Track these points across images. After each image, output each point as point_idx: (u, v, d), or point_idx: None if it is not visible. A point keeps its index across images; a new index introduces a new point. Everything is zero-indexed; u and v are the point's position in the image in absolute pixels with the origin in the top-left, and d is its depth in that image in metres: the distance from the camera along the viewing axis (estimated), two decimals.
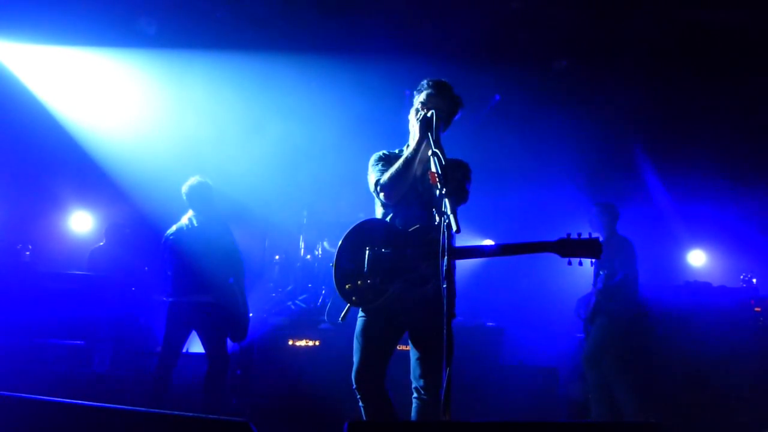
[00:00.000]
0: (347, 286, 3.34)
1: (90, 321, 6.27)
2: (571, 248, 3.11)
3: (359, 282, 3.32)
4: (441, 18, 6.93)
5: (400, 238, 3.32)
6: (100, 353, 6.26)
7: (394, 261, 3.29)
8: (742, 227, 8.51)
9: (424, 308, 3.24)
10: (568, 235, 3.13)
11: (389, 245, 3.32)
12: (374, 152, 3.60)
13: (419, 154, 3.32)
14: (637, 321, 5.77)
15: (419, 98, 3.46)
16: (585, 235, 3.13)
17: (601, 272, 5.77)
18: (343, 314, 3.46)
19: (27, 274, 6.65)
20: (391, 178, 3.36)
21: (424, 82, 3.49)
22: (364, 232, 3.40)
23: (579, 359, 6.16)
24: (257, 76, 7.39)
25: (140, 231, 7.41)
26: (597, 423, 5.31)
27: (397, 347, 3.49)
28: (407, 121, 3.55)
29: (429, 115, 3.27)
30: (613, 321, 5.70)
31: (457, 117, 3.53)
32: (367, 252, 3.32)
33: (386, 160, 3.51)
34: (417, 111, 3.42)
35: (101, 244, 7.40)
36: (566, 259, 3.14)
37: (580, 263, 3.13)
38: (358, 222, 3.47)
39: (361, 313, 3.44)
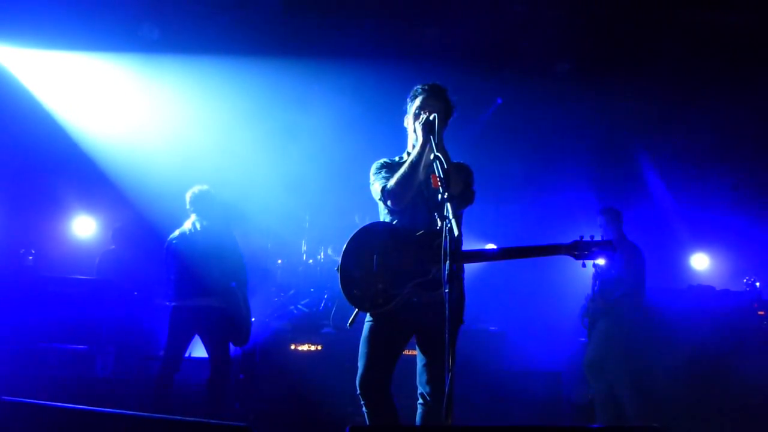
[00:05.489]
0: (355, 292, 3.31)
1: (93, 325, 6.29)
2: (586, 250, 3.15)
3: (368, 287, 3.28)
4: (443, 22, 6.94)
5: (407, 243, 3.29)
6: (103, 357, 6.27)
7: (403, 265, 3.26)
8: (746, 230, 8.50)
9: (434, 313, 3.18)
10: (581, 237, 3.17)
11: (397, 249, 3.29)
12: (375, 159, 3.59)
13: (424, 158, 3.31)
14: (640, 326, 5.75)
15: (416, 103, 3.46)
16: (597, 237, 3.19)
17: (601, 275, 5.76)
18: (351, 319, 3.44)
19: (30, 278, 6.67)
20: (398, 184, 3.34)
21: (418, 87, 3.49)
22: (369, 237, 3.37)
23: (581, 363, 6.14)
24: (259, 81, 7.40)
25: (146, 234, 7.42)
26: (601, 427, 5.30)
27: (404, 352, 3.47)
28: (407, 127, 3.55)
29: (431, 118, 3.26)
30: (614, 325, 5.69)
31: (450, 119, 3.54)
32: (374, 256, 3.29)
33: (389, 168, 3.50)
34: (416, 115, 3.40)
35: (112, 248, 7.41)
36: (580, 262, 3.19)
37: (594, 265, 3.19)
38: (361, 226, 3.45)
39: (368, 318, 3.41)
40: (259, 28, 7.06)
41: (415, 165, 3.31)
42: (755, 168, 8.33)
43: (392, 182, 3.36)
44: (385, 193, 3.39)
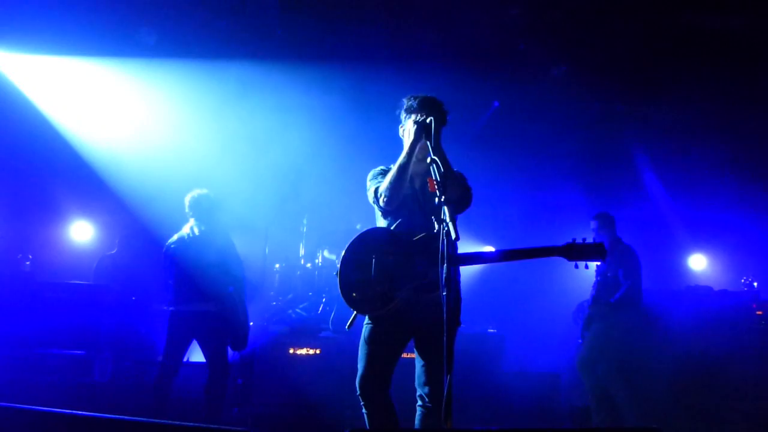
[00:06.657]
0: (354, 295, 3.34)
1: (91, 331, 6.27)
2: (578, 252, 3.25)
3: (367, 290, 3.31)
4: (440, 25, 6.95)
5: (406, 246, 3.32)
6: (101, 363, 6.25)
7: (401, 268, 3.29)
8: (743, 231, 8.51)
9: (432, 315, 3.19)
10: (574, 239, 3.23)
11: (395, 253, 3.32)
12: (372, 162, 3.62)
13: (414, 156, 3.33)
14: (638, 328, 5.76)
15: (411, 114, 3.46)
16: (590, 240, 3.27)
17: (599, 278, 5.78)
18: (349, 322, 3.46)
19: (27, 283, 6.65)
20: (390, 182, 3.37)
21: (412, 98, 3.49)
22: (368, 241, 3.40)
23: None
24: (257, 86, 7.41)
25: (144, 239, 7.40)
26: (598, 429, 5.31)
27: (403, 355, 3.48)
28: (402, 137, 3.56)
29: (428, 121, 3.28)
30: (612, 328, 5.70)
31: (443, 128, 3.54)
32: (373, 260, 3.32)
33: (384, 174, 3.51)
34: (413, 122, 3.41)
35: (113, 252, 7.40)
36: (573, 263, 3.26)
37: (587, 267, 3.24)
38: (361, 231, 3.47)
39: (367, 320, 3.44)
40: (256, 33, 7.06)
41: (404, 164, 3.34)
42: (754, 167, 8.34)
43: (384, 182, 3.39)
44: (378, 193, 3.41)
